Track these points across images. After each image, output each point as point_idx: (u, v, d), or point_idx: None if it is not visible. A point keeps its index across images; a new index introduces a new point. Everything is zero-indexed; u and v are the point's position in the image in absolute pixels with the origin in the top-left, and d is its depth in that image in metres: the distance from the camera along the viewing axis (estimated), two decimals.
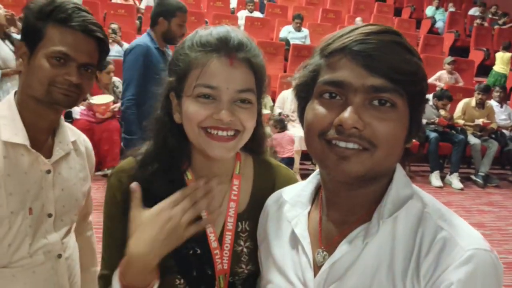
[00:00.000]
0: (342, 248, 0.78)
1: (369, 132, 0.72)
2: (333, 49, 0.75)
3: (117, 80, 5.24)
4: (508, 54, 8.75)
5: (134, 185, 0.92)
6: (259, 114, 1.01)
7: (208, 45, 0.92)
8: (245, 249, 1.02)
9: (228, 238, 1.01)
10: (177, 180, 0.99)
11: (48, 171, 1.25)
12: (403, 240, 0.75)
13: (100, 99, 4.90)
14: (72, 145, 1.35)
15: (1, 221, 1.16)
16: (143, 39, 3.00)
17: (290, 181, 1.08)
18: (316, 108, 0.77)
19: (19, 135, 1.19)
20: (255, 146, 1.07)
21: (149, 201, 0.94)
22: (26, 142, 1.19)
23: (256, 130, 1.00)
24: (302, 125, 0.82)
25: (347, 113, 0.72)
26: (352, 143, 0.73)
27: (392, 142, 0.74)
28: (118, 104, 5.03)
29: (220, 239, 1.00)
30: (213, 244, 0.99)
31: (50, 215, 1.25)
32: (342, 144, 0.74)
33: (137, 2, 8.88)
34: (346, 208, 0.82)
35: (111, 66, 5.08)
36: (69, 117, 4.92)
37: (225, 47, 0.91)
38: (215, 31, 0.94)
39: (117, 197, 1.01)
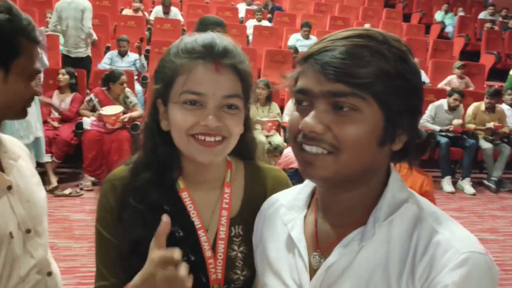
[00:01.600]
0: (338, 251, 0.79)
1: (330, 136, 0.74)
2: (303, 57, 0.79)
3: (128, 90, 5.30)
4: None
5: (165, 219, 0.85)
6: (247, 119, 1.02)
7: (193, 51, 0.93)
8: (239, 254, 1.02)
9: (221, 246, 1.01)
10: (169, 189, 1.00)
11: (9, 187, 1.16)
12: (398, 243, 0.75)
13: (110, 109, 4.97)
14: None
15: None
16: None
17: (281, 182, 1.10)
18: (293, 114, 0.80)
19: None
20: (245, 151, 1.07)
21: (142, 209, 0.96)
22: None
23: (244, 135, 1.01)
24: None
25: (307, 118, 0.75)
26: (316, 147, 0.75)
27: (356, 145, 0.73)
28: (128, 115, 5.12)
29: (214, 248, 1.00)
30: (207, 253, 0.99)
31: (28, 231, 1.20)
32: (307, 148, 0.76)
33: (146, 14, 8.98)
34: (339, 211, 0.83)
35: (123, 77, 5.14)
36: (80, 128, 4.99)
37: (210, 54, 0.92)
38: (200, 38, 0.95)
39: (110, 203, 1.01)
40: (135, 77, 6.47)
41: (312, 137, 0.74)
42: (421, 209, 0.78)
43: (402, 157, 0.82)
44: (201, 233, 0.99)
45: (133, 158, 1.04)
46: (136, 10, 8.69)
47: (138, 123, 5.20)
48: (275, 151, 4.83)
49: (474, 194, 5.70)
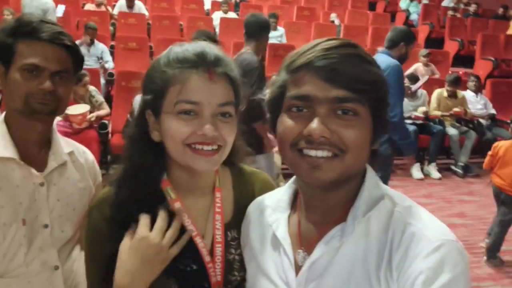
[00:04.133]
0: (320, 248, 0.83)
1: (337, 139, 0.78)
2: (298, 65, 0.81)
3: (93, 89, 5.16)
4: None
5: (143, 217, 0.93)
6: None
7: (186, 61, 0.93)
8: (236, 257, 1.05)
9: (219, 250, 1.03)
10: (159, 199, 1.00)
11: (42, 184, 1.28)
12: (376, 238, 0.80)
13: (76, 109, 4.82)
14: (69, 156, 1.38)
15: None
16: (391, 59, 3.47)
17: (267, 185, 1.15)
18: (286, 121, 0.82)
19: (8, 150, 1.23)
20: (233, 157, 1.09)
21: (133, 227, 0.96)
22: (15, 156, 1.24)
23: (234, 142, 1.01)
24: (275, 136, 0.87)
25: (314, 124, 0.77)
26: (322, 151, 0.79)
27: (359, 146, 0.79)
28: (95, 114, 4.99)
29: (211, 252, 1.02)
30: (206, 258, 1.01)
31: (46, 226, 1.28)
32: (312, 153, 0.79)
33: (110, 8, 8.78)
34: (323, 209, 0.87)
35: (86, 79, 4.99)
36: None
37: (203, 62, 0.93)
38: (191, 47, 0.96)
39: (99, 229, 1.01)
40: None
41: (320, 142, 0.78)
42: (396, 205, 0.83)
43: (372, 155, 0.87)
44: (198, 239, 1.01)
45: (114, 174, 1.03)
46: (98, 4, 8.49)
47: (106, 122, 5.10)
48: None
49: (440, 179, 5.85)
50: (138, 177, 0.99)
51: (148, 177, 0.99)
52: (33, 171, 1.26)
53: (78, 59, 1.32)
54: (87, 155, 1.48)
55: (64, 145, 1.39)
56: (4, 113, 1.29)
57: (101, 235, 1.00)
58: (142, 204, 0.97)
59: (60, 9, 6.58)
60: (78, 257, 1.41)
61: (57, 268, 1.31)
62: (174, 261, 0.98)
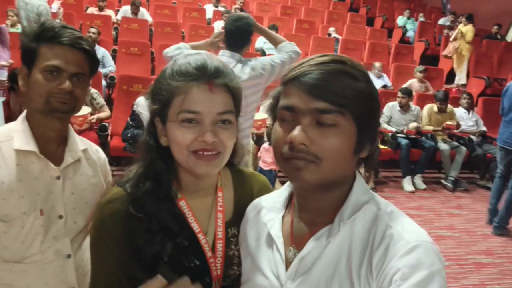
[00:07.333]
0: (309, 245, 0.90)
1: (315, 148, 0.84)
2: (287, 79, 0.90)
3: (94, 92, 5.25)
4: None
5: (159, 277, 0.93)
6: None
7: (188, 74, 1.01)
8: (236, 252, 1.12)
9: (220, 246, 1.10)
10: (168, 199, 1.07)
11: (58, 177, 1.37)
12: (359, 238, 0.87)
13: None
14: (83, 153, 1.48)
15: (14, 221, 1.30)
16: None
17: (265, 186, 1.23)
18: (277, 130, 0.91)
19: (30, 144, 1.34)
20: (233, 159, 1.16)
21: (145, 219, 1.03)
22: (36, 149, 1.33)
23: (234, 146, 1.08)
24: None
25: (295, 132, 0.85)
26: (299, 160, 0.85)
27: (335, 155, 0.85)
28: (96, 116, 5.07)
29: (213, 248, 1.10)
30: (208, 253, 1.08)
31: (60, 217, 1.38)
32: (294, 160, 0.86)
33: (113, 13, 8.90)
34: (314, 211, 0.94)
35: None
36: None
37: (203, 75, 1.00)
38: (192, 60, 1.03)
39: (109, 229, 1.05)
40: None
41: (300, 149, 0.84)
42: (379, 209, 0.90)
43: (364, 163, 0.93)
44: (200, 236, 1.08)
45: (128, 176, 1.10)
46: (101, 8, 8.59)
47: (106, 124, 5.17)
48: None
49: (425, 189, 6.02)
50: (152, 178, 1.06)
51: (161, 178, 1.06)
52: (51, 164, 1.35)
53: (95, 62, 1.43)
54: (99, 153, 1.57)
55: (79, 142, 1.48)
56: (25, 111, 1.39)
57: (108, 231, 1.05)
58: (156, 202, 1.04)
59: (55, 6, 6.70)
60: (87, 247, 1.51)
61: (69, 256, 1.39)
62: (180, 258, 1.05)
